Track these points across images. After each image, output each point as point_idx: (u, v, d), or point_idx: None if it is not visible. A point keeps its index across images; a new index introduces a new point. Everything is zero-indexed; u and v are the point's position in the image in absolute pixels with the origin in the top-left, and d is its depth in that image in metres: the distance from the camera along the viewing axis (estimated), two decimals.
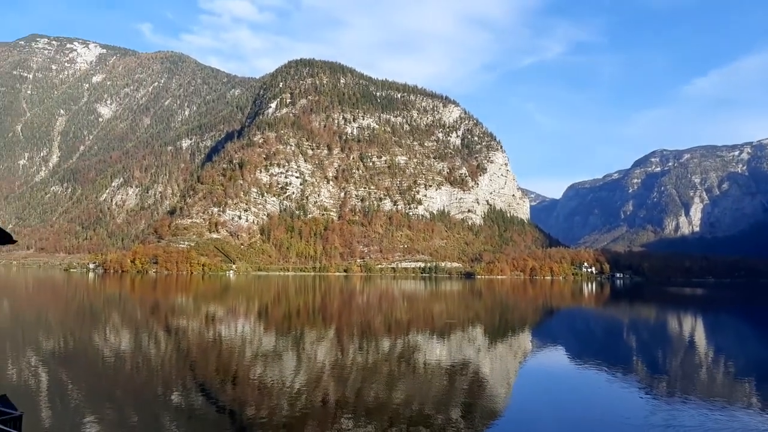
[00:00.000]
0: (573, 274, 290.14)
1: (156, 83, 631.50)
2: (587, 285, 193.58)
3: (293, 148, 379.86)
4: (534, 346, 36.84)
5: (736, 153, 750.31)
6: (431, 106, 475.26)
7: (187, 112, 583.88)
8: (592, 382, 24.31)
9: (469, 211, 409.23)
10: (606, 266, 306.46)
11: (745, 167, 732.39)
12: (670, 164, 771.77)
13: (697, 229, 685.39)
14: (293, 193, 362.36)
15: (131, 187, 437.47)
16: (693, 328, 53.38)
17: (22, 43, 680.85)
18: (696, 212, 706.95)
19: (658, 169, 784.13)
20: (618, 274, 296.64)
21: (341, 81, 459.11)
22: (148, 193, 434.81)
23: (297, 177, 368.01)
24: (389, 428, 16.97)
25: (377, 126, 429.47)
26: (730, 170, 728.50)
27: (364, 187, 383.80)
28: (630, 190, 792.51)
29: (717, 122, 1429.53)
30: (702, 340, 42.54)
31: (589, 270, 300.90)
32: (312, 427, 17.09)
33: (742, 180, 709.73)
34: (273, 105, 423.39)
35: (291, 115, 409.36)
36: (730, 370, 28.69)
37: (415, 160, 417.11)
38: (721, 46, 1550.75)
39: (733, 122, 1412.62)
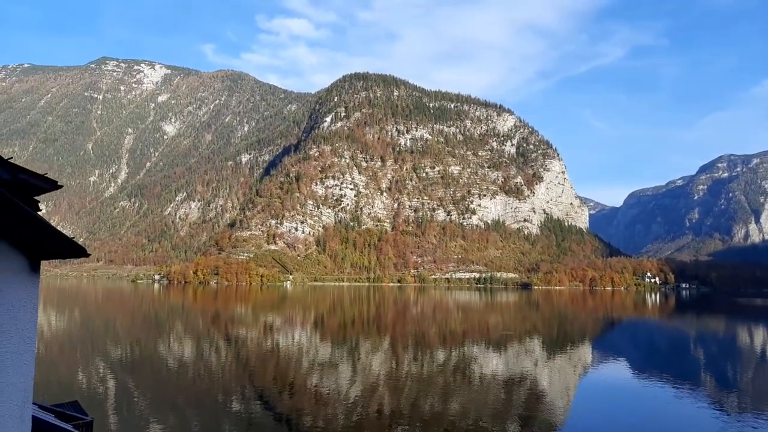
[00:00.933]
0: (635, 284, 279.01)
1: (217, 101, 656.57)
2: (651, 295, 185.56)
3: (348, 161, 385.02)
4: (594, 358, 35.71)
5: None
6: (485, 116, 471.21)
7: (246, 128, 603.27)
8: (657, 398, 23.33)
9: (525, 220, 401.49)
10: (671, 276, 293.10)
11: None
12: (738, 169, 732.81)
13: None
14: (348, 204, 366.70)
15: (194, 201, 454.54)
16: (765, 341, 50.30)
17: (93, 66, 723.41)
18: (767, 219, 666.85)
19: (726, 174, 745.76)
20: (684, 285, 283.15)
21: (394, 93, 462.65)
22: (209, 206, 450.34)
23: (351, 189, 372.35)
24: None
25: (430, 137, 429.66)
26: None
27: (418, 198, 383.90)
28: (695, 197, 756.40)
29: None
30: None
31: (653, 280, 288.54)
32: None
33: None
34: (328, 119, 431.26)
35: (345, 128, 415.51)
36: None
37: (468, 170, 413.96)
38: None
39: None
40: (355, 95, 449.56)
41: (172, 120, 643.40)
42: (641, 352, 41.55)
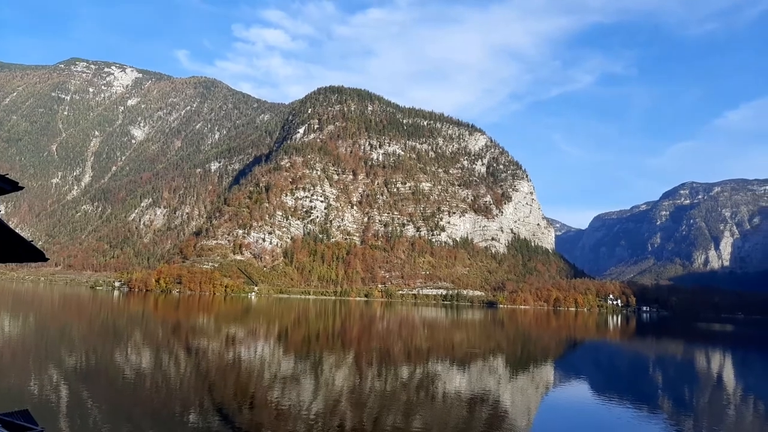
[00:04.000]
0: (598, 306, 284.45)
1: (188, 107, 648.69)
2: (612, 318, 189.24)
3: (319, 173, 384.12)
4: (556, 379, 36.05)
5: None
6: (457, 134, 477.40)
7: (217, 136, 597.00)
8: (616, 419, 23.64)
9: (492, 239, 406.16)
10: (632, 299, 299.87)
11: None
12: (699, 197, 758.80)
13: (727, 263, 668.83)
14: (317, 217, 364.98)
15: (159, 207, 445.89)
16: (722, 365, 51.68)
17: (62, 66, 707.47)
18: (726, 246, 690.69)
19: (688, 201, 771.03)
20: (644, 308, 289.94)
21: (369, 108, 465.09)
22: (175, 213, 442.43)
23: (322, 201, 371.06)
24: None
25: (403, 152, 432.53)
26: (762, 204, 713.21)
27: (388, 213, 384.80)
28: (658, 222, 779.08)
29: (749, 156, 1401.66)
30: (731, 379, 41.13)
31: (615, 302, 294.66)
32: None
33: None
34: (301, 130, 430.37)
35: (318, 140, 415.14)
36: (760, 410, 27.63)
37: (439, 187, 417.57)
38: (754, 79, 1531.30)
39: (765, 156, 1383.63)
40: (329, 108, 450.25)
41: (141, 124, 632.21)
42: (602, 373, 42.17)
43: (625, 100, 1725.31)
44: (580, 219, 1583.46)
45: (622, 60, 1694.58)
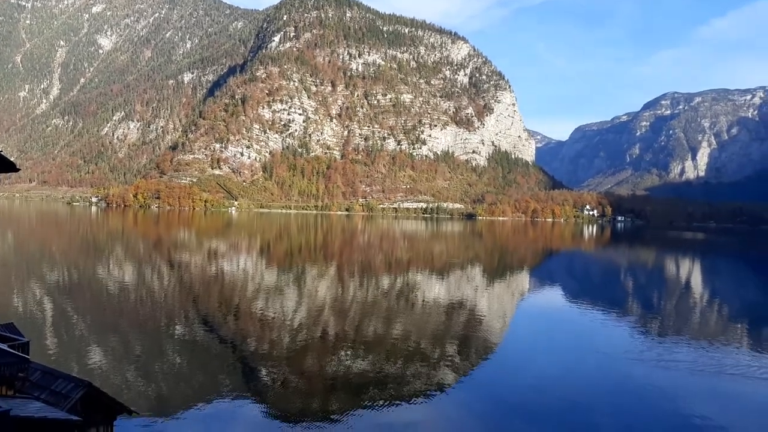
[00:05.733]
0: (575, 216, 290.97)
1: (157, 14, 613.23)
2: (588, 228, 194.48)
3: (296, 84, 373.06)
4: (531, 286, 37.40)
5: (748, 97, 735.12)
6: (439, 43, 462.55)
7: (188, 45, 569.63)
8: (588, 321, 24.79)
9: (473, 152, 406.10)
10: (608, 209, 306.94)
11: (756, 112, 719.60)
12: (680, 107, 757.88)
13: (702, 174, 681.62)
14: (296, 130, 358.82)
15: (132, 121, 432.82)
16: (690, 271, 53.98)
17: None
18: (703, 157, 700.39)
19: (668, 112, 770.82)
20: (620, 218, 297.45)
21: (347, 14, 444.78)
22: (149, 127, 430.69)
23: (300, 114, 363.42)
24: (387, 361, 17.44)
25: (383, 62, 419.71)
26: (741, 115, 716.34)
27: (368, 126, 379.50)
28: (638, 133, 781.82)
29: (732, 65, 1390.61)
30: (698, 284, 43.12)
31: (591, 213, 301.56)
32: (311, 359, 17.59)
33: (752, 125, 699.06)
34: (276, 39, 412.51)
35: (295, 49, 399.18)
36: (724, 312, 29.20)
37: (420, 99, 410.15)
38: None
39: (748, 65, 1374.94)
40: (306, 14, 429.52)
41: (108, 33, 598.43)
42: (575, 281, 43.81)
43: (610, 6, 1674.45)
44: (561, 130, 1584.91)
45: None
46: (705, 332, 23.11)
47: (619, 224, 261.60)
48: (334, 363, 17.20)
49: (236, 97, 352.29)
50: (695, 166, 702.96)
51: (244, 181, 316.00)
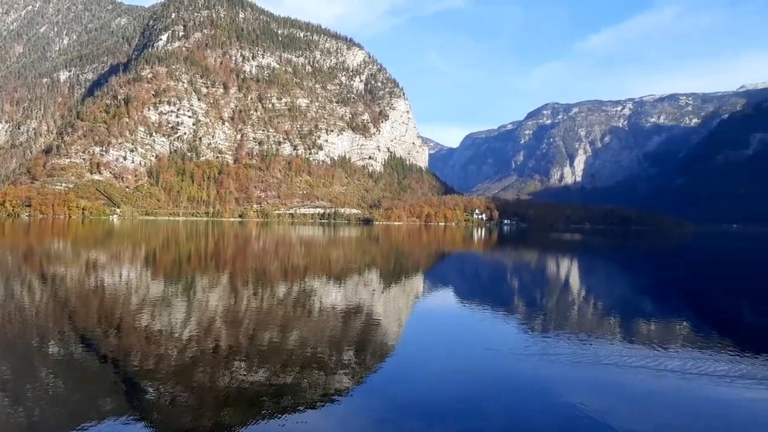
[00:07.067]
0: (465, 220, 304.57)
1: (30, 7, 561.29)
2: (477, 231, 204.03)
3: (186, 85, 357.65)
4: (426, 288, 38.43)
5: (619, 108, 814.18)
6: (335, 48, 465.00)
7: (65, 41, 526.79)
8: (479, 320, 25.87)
9: (370, 157, 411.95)
10: (495, 213, 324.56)
11: (626, 122, 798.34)
12: (560, 117, 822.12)
13: (579, 179, 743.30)
14: (185, 133, 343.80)
15: (0, 122, 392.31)
16: (569, 270, 58.23)
17: None
18: (579, 163, 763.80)
19: (549, 121, 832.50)
20: (506, 221, 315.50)
21: (240, 15, 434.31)
22: (20, 129, 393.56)
23: (189, 116, 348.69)
24: (283, 371, 17.05)
25: (278, 66, 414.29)
26: (613, 124, 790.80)
27: (263, 130, 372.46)
28: (522, 141, 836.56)
29: (605, 78, 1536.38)
30: (576, 281, 46.61)
31: (480, 216, 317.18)
32: (202, 373, 16.76)
33: (622, 134, 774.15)
34: (164, 37, 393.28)
35: (184, 49, 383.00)
36: (599, 306, 31.77)
37: (317, 104, 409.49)
38: (616, 4, 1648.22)
39: (619, 78, 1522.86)
40: (196, 13, 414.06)
41: None
42: (466, 281, 45.66)
43: (498, 20, 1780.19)
44: (453, 138, 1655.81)
45: None
46: (583, 326, 24.99)
47: (505, 227, 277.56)
48: (226, 376, 16.51)
49: (119, 97, 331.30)
50: (573, 172, 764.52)
51: (127, 187, 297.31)
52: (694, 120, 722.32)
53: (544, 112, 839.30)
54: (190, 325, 23.02)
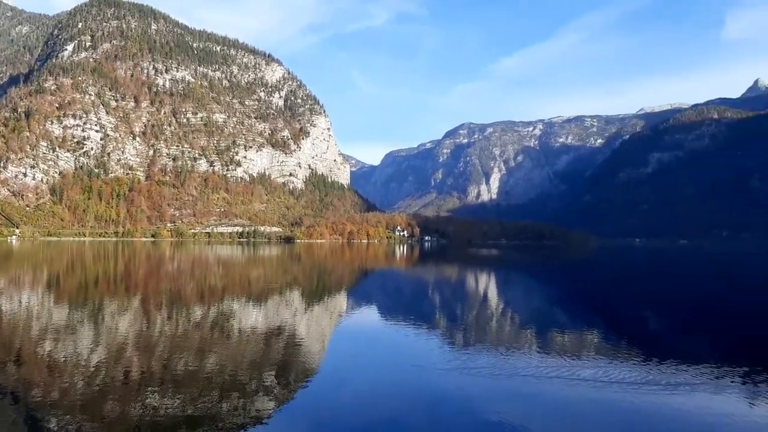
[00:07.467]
0: (387, 237, 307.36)
1: None
2: (399, 247, 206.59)
3: (93, 98, 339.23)
4: (349, 306, 38.30)
5: (530, 129, 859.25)
6: (253, 63, 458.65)
7: None
8: (402, 336, 26.07)
9: (290, 174, 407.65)
10: (417, 230, 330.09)
11: (537, 142, 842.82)
12: (476, 136, 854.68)
13: (495, 196, 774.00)
14: (92, 148, 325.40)
15: None
16: (487, 284, 60.12)
17: None
18: (495, 181, 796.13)
19: (466, 140, 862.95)
20: (427, 237, 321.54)
21: (153, 27, 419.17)
22: None
23: (97, 131, 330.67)
24: (200, 397, 16.32)
25: (193, 80, 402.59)
26: (525, 144, 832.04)
27: (177, 146, 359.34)
28: (441, 160, 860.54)
29: (518, 99, 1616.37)
30: (494, 295, 48.18)
31: (402, 233, 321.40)
32: (112, 403, 15.72)
33: (534, 153, 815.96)
34: (69, 47, 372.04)
35: (91, 60, 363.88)
36: (516, 319, 32.96)
37: (234, 119, 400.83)
38: (526, 29, 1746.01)
39: (530, 100, 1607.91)
40: (105, 23, 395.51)
41: None
42: (389, 297, 45.96)
43: (417, 40, 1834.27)
44: (374, 155, 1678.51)
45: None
46: (502, 339, 25.80)
47: (426, 243, 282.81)
48: (139, 405, 15.58)
49: (19, 110, 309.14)
50: (489, 190, 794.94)
51: (27, 206, 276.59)
52: (599, 140, 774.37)
53: (461, 131, 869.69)
54: (98, 353, 21.57)
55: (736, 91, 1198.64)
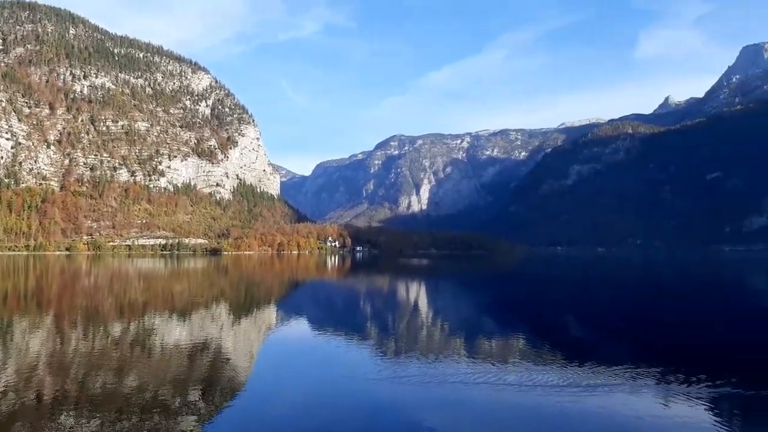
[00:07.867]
0: (319, 248, 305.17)
1: None
2: (331, 258, 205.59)
3: (4, 105, 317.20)
4: (278, 319, 37.64)
5: (458, 141, 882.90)
6: (178, 71, 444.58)
7: None
8: (333, 348, 25.91)
9: (217, 185, 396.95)
10: (348, 240, 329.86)
11: (465, 154, 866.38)
12: (406, 148, 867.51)
13: (425, 207, 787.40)
14: (2, 157, 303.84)
15: None
16: (417, 293, 60.90)
17: None
18: (425, 192, 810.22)
19: (397, 152, 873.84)
20: (359, 248, 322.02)
21: (70, 31, 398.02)
22: None
23: (8, 139, 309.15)
24: (119, 418, 15.48)
25: (114, 86, 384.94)
26: (453, 156, 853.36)
27: (95, 155, 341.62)
28: (372, 171, 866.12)
29: (446, 112, 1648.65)
30: (424, 304, 48.85)
31: (334, 244, 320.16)
32: (21, 428, 14.61)
33: (462, 165, 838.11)
34: None
35: (3, 65, 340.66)
36: (445, 327, 33.56)
37: (158, 128, 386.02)
38: (453, 44, 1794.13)
39: (458, 113, 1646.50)
40: (18, 27, 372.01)
41: None
42: (320, 309, 45.59)
43: (346, 52, 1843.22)
44: (305, 166, 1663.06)
45: (344, 12, 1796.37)
46: (431, 347, 26.19)
47: (358, 254, 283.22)
48: (52, 429, 14.57)
49: None
50: (419, 201, 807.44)
51: None
52: (523, 153, 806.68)
53: (392, 143, 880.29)
54: (7, 375, 20.01)
55: (648, 107, 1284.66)
